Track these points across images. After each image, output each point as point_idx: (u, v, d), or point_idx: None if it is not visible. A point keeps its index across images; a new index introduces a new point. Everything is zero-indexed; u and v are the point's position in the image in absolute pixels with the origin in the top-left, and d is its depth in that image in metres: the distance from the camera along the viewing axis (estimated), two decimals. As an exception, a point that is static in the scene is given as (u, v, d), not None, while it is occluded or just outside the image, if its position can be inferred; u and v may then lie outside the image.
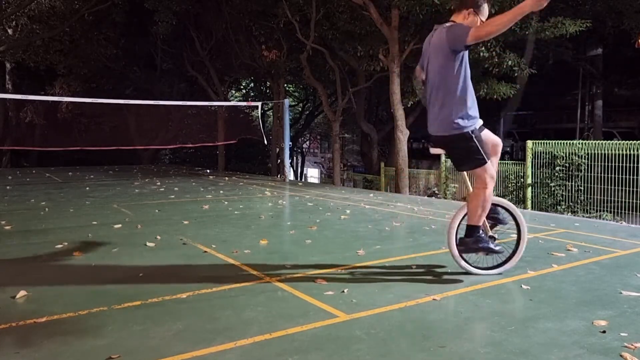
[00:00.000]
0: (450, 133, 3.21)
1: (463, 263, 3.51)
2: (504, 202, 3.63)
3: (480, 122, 3.29)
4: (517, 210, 3.61)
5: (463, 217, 3.49)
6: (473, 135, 3.19)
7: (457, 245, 3.45)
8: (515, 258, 3.60)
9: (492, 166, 3.30)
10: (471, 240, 3.34)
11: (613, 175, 8.37)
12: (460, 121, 3.17)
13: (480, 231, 3.36)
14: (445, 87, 3.19)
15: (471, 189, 3.39)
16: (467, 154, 3.23)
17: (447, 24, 3.24)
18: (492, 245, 3.36)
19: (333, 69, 15.54)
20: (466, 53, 3.21)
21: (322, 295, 3.05)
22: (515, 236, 3.66)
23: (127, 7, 18.62)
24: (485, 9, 3.31)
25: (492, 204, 3.45)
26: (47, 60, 18.70)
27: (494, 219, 3.56)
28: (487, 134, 3.37)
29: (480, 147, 3.20)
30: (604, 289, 3.19)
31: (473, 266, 3.53)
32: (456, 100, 3.18)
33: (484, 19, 3.28)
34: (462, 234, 3.46)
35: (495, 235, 3.55)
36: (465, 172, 3.47)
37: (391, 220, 5.93)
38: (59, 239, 4.71)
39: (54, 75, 20.27)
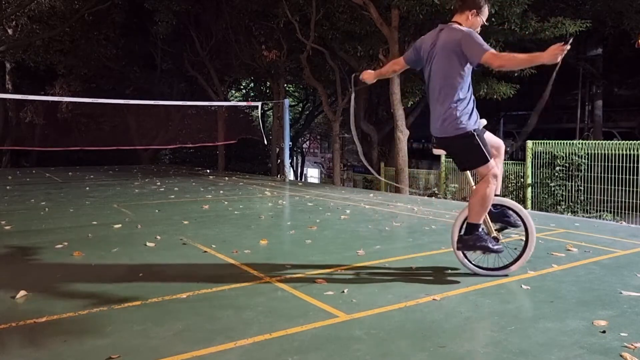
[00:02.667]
0: (454, 134, 3.23)
1: (467, 263, 3.50)
2: (513, 204, 3.55)
3: (483, 122, 3.33)
4: (525, 213, 3.53)
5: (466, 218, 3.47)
6: (475, 134, 3.22)
7: (456, 242, 3.44)
8: (522, 260, 3.55)
9: (496, 166, 3.30)
10: (470, 238, 3.33)
11: (613, 175, 8.37)
12: (463, 120, 3.21)
13: (480, 229, 3.35)
14: (451, 88, 3.21)
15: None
16: (470, 153, 3.25)
17: (458, 27, 3.25)
18: (490, 245, 3.34)
19: (333, 69, 15.55)
20: None
21: (322, 295, 3.05)
22: (519, 237, 3.66)
23: (127, 7, 18.63)
24: (486, 10, 3.36)
25: (503, 206, 3.45)
26: (47, 60, 18.69)
27: (505, 221, 3.52)
28: (489, 135, 3.41)
29: (482, 146, 3.23)
30: (604, 289, 3.19)
31: (478, 266, 3.52)
32: (460, 101, 3.21)
33: (484, 19, 3.35)
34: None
35: (500, 236, 3.51)
36: (468, 172, 3.47)
37: (391, 220, 5.93)
38: (59, 239, 4.71)
39: (54, 75, 20.26)
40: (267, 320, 2.65)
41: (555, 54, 2.80)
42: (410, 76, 12.66)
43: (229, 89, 24.44)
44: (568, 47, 2.77)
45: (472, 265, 3.52)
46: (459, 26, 3.27)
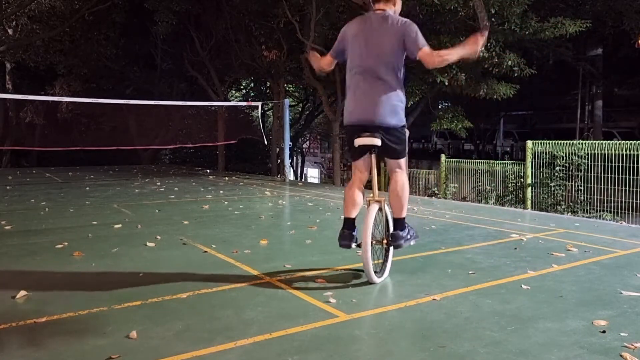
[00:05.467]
0: (399, 124, 3.21)
1: (373, 274, 3.26)
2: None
3: None
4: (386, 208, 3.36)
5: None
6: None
7: (390, 241, 3.30)
8: (388, 265, 3.46)
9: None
10: (407, 232, 3.31)
11: (613, 175, 8.37)
12: (402, 115, 3.24)
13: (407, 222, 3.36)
14: (393, 80, 3.14)
15: (377, 192, 3.35)
16: (403, 146, 3.28)
17: (397, 18, 3.19)
18: (415, 237, 3.42)
19: (333, 69, 15.52)
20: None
21: (322, 295, 3.05)
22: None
23: (127, 7, 18.63)
24: None
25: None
26: (47, 60, 18.70)
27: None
28: None
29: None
30: (604, 289, 3.19)
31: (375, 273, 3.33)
32: (401, 97, 3.20)
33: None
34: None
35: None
36: (374, 175, 3.38)
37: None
38: (59, 239, 4.71)
39: (54, 75, 20.26)
40: (267, 320, 2.65)
41: (476, 46, 2.97)
42: (410, 76, 12.65)
43: (229, 89, 24.42)
44: (486, 33, 2.89)
45: (374, 276, 3.29)
46: (393, 13, 3.23)
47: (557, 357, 2.21)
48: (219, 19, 17.57)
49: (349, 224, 3.32)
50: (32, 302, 2.98)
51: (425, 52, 3.06)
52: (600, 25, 15.77)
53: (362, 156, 3.33)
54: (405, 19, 3.19)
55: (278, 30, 15.50)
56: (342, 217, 3.37)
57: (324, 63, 3.50)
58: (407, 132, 3.31)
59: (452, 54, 3.06)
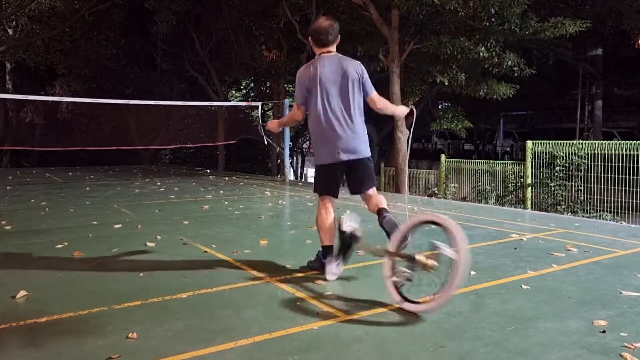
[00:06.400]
0: (367, 156, 3.47)
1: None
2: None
3: None
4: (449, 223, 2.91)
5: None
6: None
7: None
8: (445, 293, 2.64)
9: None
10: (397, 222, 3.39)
11: (613, 175, 8.36)
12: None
13: None
14: (361, 116, 3.42)
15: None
16: (372, 174, 3.55)
17: (351, 60, 3.44)
18: None
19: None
20: None
21: (322, 295, 3.05)
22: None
23: (127, 7, 18.64)
24: None
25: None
26: (47, 60, 18.71)
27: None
28: None
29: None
30: (604, 289, 3.20)
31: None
32: (365, 129, 3.49)
33: None
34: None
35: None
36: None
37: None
38: (59, 239, 4.71)
39: (54, 75, 20.27)
40: (267, 320, 2.65)
41: (404, 111, 3.54)
42: (410, 76, 12.66)
43: (229, 89, 24.42)
44: (413, 109, 3.51)
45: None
46: (357, 62, 3.46)
47: (557, 357, 2.21)
48: (219, 19, 17.57)
49: (331, 250, 3.51)
50: (32, 302, 2.99)
51: (376, 95, 3.46)
52: (600, 25, 15.78)
53: (337, 186, 3.53)
54: (356, 62, 3.45)
55: (278, 30, 15.49)
56: (323, 245, 3.52)
57: (299, 117, 3.60)
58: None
59: (389, 108, 3.54)
